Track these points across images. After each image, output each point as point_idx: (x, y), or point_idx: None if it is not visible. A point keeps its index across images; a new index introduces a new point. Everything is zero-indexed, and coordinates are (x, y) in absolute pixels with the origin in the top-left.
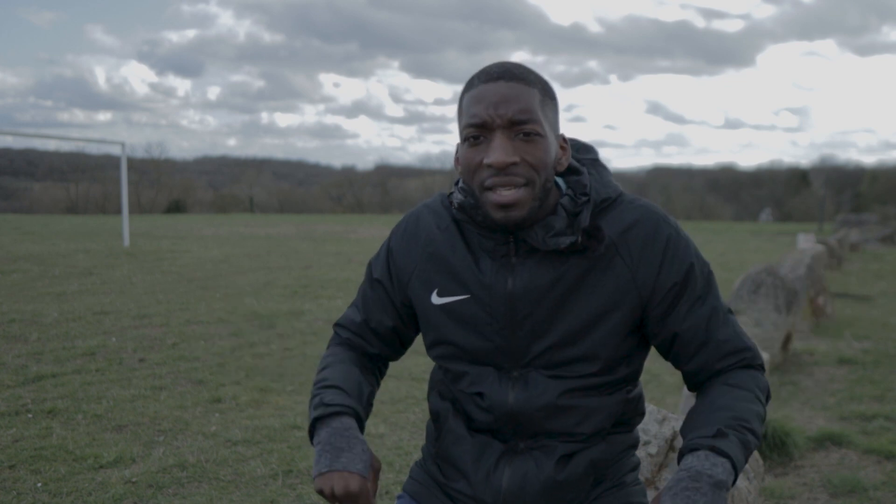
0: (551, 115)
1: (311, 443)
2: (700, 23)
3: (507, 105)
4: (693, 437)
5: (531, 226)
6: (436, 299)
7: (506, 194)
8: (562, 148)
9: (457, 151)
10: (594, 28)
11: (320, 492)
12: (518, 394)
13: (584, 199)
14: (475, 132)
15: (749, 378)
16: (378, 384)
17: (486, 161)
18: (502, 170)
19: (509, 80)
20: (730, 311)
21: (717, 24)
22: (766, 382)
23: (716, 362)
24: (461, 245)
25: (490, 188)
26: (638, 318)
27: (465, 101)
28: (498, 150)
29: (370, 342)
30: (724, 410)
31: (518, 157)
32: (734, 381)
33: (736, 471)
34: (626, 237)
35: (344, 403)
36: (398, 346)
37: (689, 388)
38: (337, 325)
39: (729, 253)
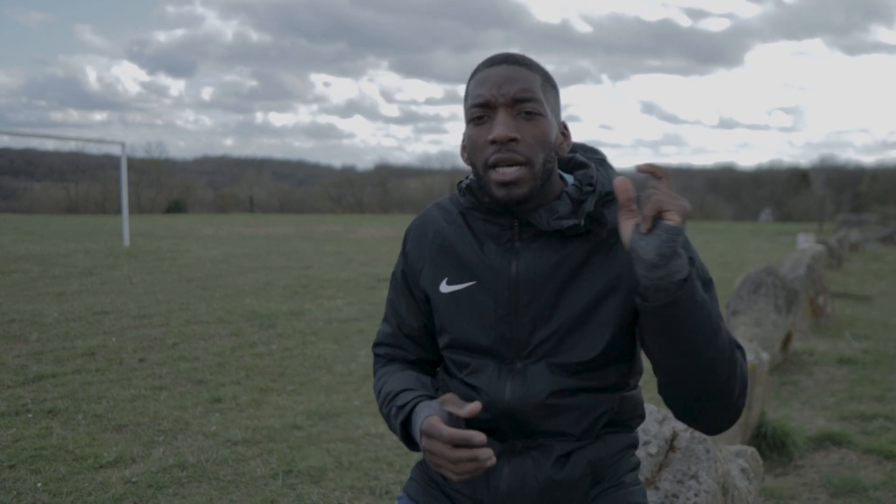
0: (552, 100)
1: (414, 448)
2: (685, 21)
3: (509, 85)
4: None
5: (535, 208)
6: (444, 287)
7: (507, 172)
8: (563, 134)
9: (464, 140)
10: (582, 27)
11: (430, 462)
12: (515, 390)
13: (590, 188)
14: (479, 112)
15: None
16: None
17: (488, 137)
18: (504, 144)
19: (511, 64)
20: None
21: (703, 24)
22: (746, 374)
23: None
24: (467, 233)
25: (493, 166)
26: (634, 308)
27: (471, 86)
28: (500, 126)
29: (407, 349)
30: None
31: (519, 134)
32: None
33: (685, 287)
34: None
35: (415, 396)
36: (432, 347)
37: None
38: (374, 345)
39: (729, 253)
